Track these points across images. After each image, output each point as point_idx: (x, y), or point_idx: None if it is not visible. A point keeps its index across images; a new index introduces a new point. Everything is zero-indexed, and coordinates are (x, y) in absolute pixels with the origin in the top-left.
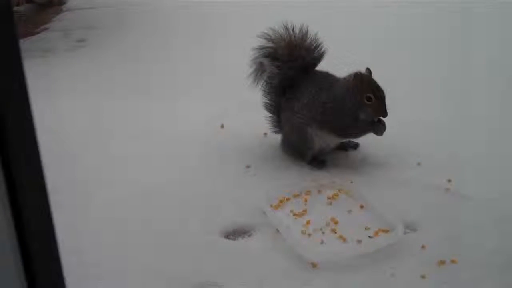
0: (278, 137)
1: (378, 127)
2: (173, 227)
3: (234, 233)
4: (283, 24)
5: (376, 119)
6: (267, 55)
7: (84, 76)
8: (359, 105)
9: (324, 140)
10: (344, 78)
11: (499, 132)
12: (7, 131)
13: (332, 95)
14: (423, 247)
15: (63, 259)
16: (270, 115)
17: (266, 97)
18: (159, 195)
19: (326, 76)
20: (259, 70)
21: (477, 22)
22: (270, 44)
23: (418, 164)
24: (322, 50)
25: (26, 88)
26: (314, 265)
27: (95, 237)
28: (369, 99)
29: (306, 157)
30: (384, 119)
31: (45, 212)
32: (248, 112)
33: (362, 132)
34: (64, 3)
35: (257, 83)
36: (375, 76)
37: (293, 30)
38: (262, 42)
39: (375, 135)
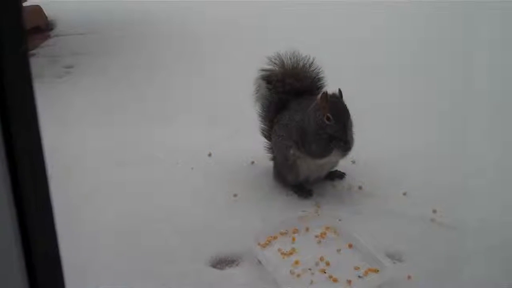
0: (266, 165)
1: (339, 146)
2: (160, 254)
3: (221, 262)
4: (290, 52)
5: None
6: (263, 78)
7: (72, 102)
8: (321, 124)
9: (305, 163)
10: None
11: (486, 161)
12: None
13: (305, 115)
14: (409, 277)
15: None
16: (266, 140)
17: (261, 121)
18: (144, 222)
19: (311, 99)
20: (257, 91)
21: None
22: (269, 67)
23: (404, 194)
24: (320, 84)
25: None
26: None
27: (79, 264)
28: (328, 119)
29: (291, 181)
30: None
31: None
32: (236, 140)
33: (324, 151)
34: (52, 28)
35: (256, 104)
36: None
37: (296, 59)
38: (269, 65)
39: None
